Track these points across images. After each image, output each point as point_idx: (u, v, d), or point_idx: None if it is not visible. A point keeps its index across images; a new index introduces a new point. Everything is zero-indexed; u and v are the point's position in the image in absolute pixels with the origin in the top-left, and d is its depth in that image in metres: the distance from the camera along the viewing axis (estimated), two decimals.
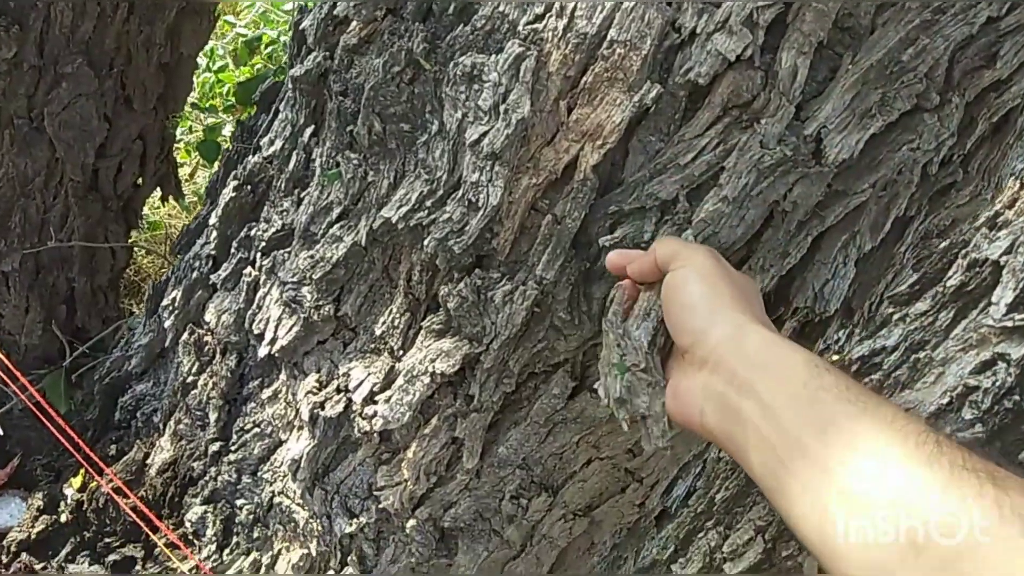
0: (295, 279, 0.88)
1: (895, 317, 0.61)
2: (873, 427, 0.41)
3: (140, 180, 1.41)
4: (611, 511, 0.93)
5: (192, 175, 2.05)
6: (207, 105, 1.88)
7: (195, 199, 2.10)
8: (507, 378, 0.79)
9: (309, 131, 0.86)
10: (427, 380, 0.80)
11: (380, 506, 0.89)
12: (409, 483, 0.87)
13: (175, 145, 1.70)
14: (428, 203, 0.75)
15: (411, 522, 0.89)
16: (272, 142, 0.91)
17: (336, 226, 0.84)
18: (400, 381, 0.82)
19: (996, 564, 0.33)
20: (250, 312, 0.94)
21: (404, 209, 0.76)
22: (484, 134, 0.69)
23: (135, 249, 1.85)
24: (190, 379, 1.03)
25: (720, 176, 0.66)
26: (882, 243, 0.75)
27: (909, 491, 0.37)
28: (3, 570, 1.29)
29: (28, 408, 1.43)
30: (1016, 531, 0.33)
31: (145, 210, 2.17)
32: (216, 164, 1.22)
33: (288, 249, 0.90)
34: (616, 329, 0.64)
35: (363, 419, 0.85)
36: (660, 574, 0.90)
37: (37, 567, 1.26)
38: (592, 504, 0.92)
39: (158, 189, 1.53)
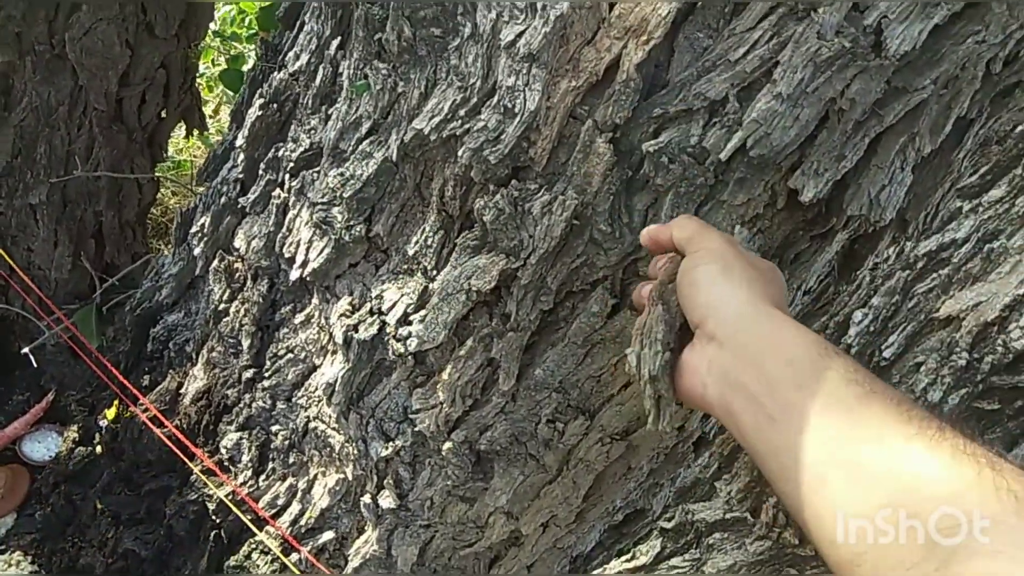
0: (325, 199, 0.86)
1: (965, 209, 0.58)
2: (878, 407, 0.41)
3: (164, 112, 1.38)
4: (649, 435, 0.91)
5: (216, 111, 2.02)
6: (229, 32, 1.84)
7: (219, 137, 2.08)
8: (545, 295, 0.77)
9: (336, 43, 0.83)
10: (463, 298, 0.77)
11: (416, 429, 0.88)
12: (445, 406, 0.86)
13: (197, 80, 1.67)
14: (461, 112, 0.72)
15: (447, 445, 0.88)
16: (298, 56, 0.88)
17: (366, 142, 0.81)
18: (435, 300, 0.79)
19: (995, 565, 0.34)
20: (280, 235, 0.92)
21: (436, 119, 0.73)
22: (520, 34, 0.65)
23: (161, 189, 1.84)
24: (222, 306, 1.02)
25: (774, 72, 0.62)
26: (940, 148, 0.71)
27: (908, 468, 0.38)
28: (44, 501, 1.31)
29: (60, 344, 1.44)
30: (1012, 515, 0.34)
31: (171, 151, 2.15)
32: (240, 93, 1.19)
33: (317, 169, 0.87)
34: (663, 304, 0.60)
35: (397, 341, 0.84)
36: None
37: (75, 498, 1.27)
38: (630, 428, 0.90)
39: (182, 123, 1.50)
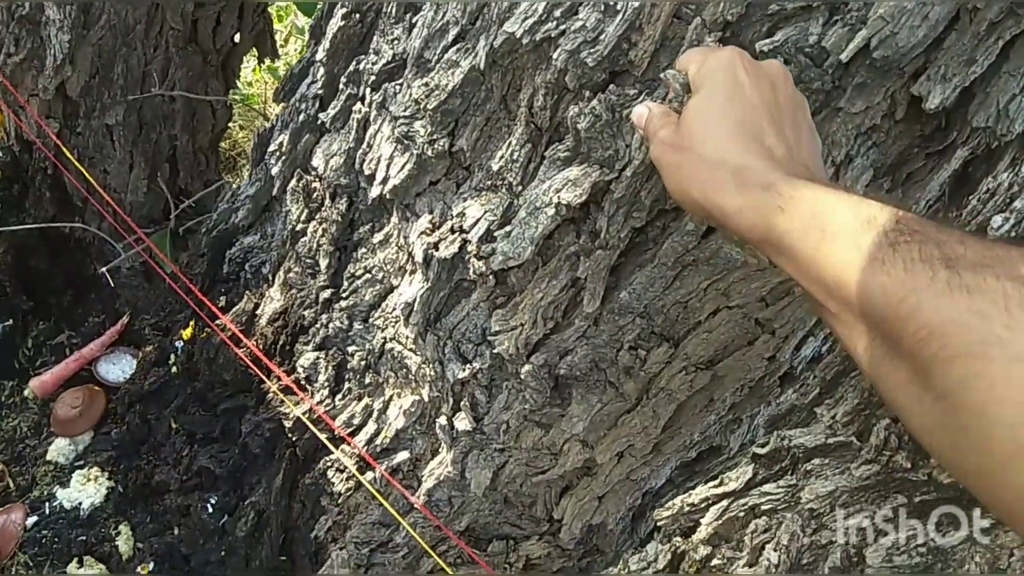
0: (407, 113, 0.83)
1: None
2: (821, 255, 0.43)
3: (238, 35, 1.37)
4: (736, 365, 0.88)
5: (285, 42, 2.00)
6: None
7: (287, 70, 2.07)
8: (637, 211, 0.73)
9: None
10: (551, 211, 0.75)
11: (494, 351, 0.86)
12: (525, 328, 0.84)
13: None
14: (557, 12, 0.68)
15: (526, 368, 0.86)
16: None
17: (452, 49, 0.78)
18: (521, 214, 0.77)
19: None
20: (360, 152, 0.91)
21: (530, 21, 0.70)
22: None
23: (229, 123, 1.84)
24: (299, 227, 1.01)
25: None
26: None
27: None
28: (120, 420, 1.34)
29: (135, 268, 1.46)
30: (963, 306, 0.35)
31: (237, 83, 2.15)
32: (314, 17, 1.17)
33: (399, 81, 0.85)
34: None
35: (479, 259, 0.82)
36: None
37: (150, 417, 1.30)
38: (716, 357, 0.87)
39: (254, 50, 1.49)
